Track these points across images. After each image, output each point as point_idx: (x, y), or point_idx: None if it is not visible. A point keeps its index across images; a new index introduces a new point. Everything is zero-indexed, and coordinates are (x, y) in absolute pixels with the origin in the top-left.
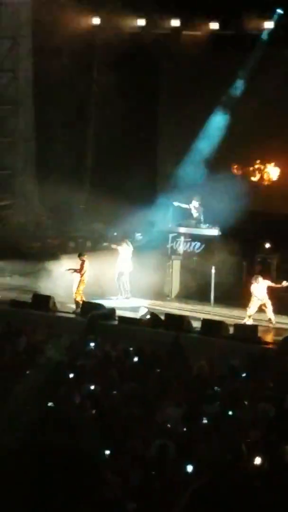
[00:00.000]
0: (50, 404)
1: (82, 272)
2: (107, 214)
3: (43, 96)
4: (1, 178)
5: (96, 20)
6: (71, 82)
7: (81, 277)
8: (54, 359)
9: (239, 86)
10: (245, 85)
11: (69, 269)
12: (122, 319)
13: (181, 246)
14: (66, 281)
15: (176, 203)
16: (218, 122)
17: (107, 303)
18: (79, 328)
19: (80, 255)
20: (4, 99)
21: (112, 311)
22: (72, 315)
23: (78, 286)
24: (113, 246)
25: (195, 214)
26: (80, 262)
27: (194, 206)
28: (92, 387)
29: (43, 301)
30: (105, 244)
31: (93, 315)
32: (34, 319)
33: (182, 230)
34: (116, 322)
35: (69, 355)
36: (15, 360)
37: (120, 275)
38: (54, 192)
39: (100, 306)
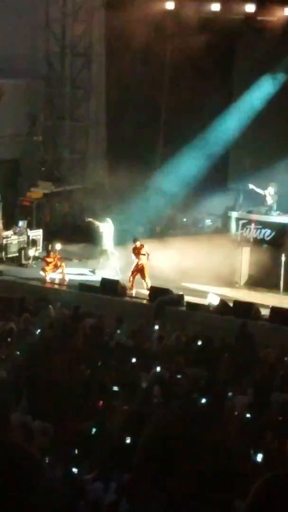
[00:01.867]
0: (115, 388)
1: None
2: (177, 199)
3: (115, 80)
4: (72, 162)
5: (170, 5)
6: (143, 67)
7: (139, 261)
8: (122, 343)
9: None
10: None
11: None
12: (190, 305)
13: (251, 233)
14: (133, 265)
15: (251, 186)
16: None
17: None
18: (147, 313)
19: (135, 240)
20: (77, 84)
21: (180, 297)
22: (140, 300)
23: (142, 271)
24: (96, 222)
25: (269, 201)
26: (137, 246)
27: (269, 192)
28: (159, 372)
29: (111, 286)
30: (87, 219)
31: (161, 300)
32: (102, 303)
33: (253, 217)
34: (184, 308)
35: (136, 340)
36: (83, 343)
37: (112, 254)
38: (125, 176)
39: (168, 291)
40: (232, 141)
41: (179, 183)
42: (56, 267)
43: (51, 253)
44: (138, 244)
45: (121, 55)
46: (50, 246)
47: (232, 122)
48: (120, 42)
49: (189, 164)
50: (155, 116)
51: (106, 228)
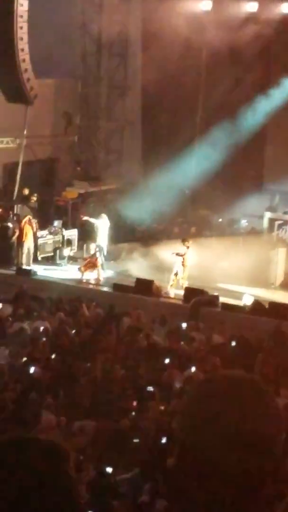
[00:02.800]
0: (149, 388)
1: (185, 257)
2: (212, 200)
3: (150, 79)
4: (108, 162)
5: (206, 5)
6: (180, 66)
7: (184, 262)
8: (157, 343)
9: None
10: None
11: (175, 253)
12: (225, 306)
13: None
14: (169, 265)
15: None
16: None
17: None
18: (182, 313)
19: (184, 241)
20: (112, 83)
21: (215, 297)
22: (175, 301)
23: (183, 272)
24: (91, 220)
25: None
26: (184, 247)
27: None
28: (193, 372)
29: (145, 286)
30: (83, 218)
31: (196, 301)
32: (136, 303)
33: None
34: (219, 309)
35: (171, 340)
36: (118, 343)
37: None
38: (160, 176)
39: (203, 292)
40: (269, 141)
41: (215, 183)
42: (92, 267)
43: (89, 253)
44: (188, 244)
45: (157, 54)
46: (86, 246)
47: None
48: (156, 41)
49: (225, 164)
50: (191, 116)
51: (101, 225)
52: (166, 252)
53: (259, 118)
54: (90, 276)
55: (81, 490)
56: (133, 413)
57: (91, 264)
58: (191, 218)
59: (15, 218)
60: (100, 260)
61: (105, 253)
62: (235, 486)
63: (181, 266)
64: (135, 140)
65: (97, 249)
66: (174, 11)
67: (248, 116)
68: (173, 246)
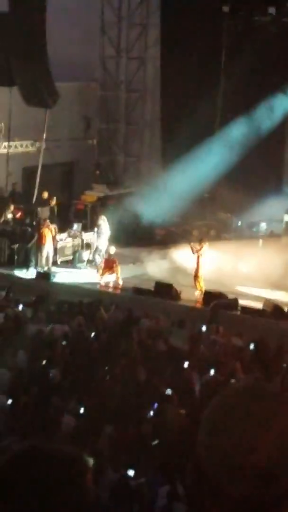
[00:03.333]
0: (168, 392)
1: (200, 255)
2: (232, 203)
3: (170, 83)
4: (127, 165)
5: (226, 8)
6: (199, 69)
7: (198, 260)
8: (176, 347)
9: None
10: None
11: (192, 247)
12: (245, 309)
13: None
14: (188, 269)
15: None
16: None
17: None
18: (201, 317)
19: (201, 241)
20: (131, 87)
21: (234, 301)
22: (194, 304)
23: (198, 272)
24: (101, 222)
25: None
26: (200, 246)
27: None
28: (212, 376)
29: (165, 289)
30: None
31: (216, 304)
32: (155, 307)
33: None
34: (238, 312)
35: (190, 344)
36: (137, 346)
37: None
38: (179, 179)
39: (222, 295)
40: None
41: (234, 186)
42: (111, 270)
43: (107, 257)
44: (205, 244)
45: (176, 58)
46: (106, 249)
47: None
48: (176, 45)
49: (244, 168)
50: (211, 119)
51: (104, 228)
52: (185, 255)
53: (277, 117)
54: (109, 279)
55: (101, 494)
56: (153, 417)
57: (110, 267)
58: (210, 221)
59: (34, 222)
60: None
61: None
62: (257, 493)
63: (196, 265)
64: (154, 143)
65: (98, 252)
66: (193, 13)
67: (267, 116)
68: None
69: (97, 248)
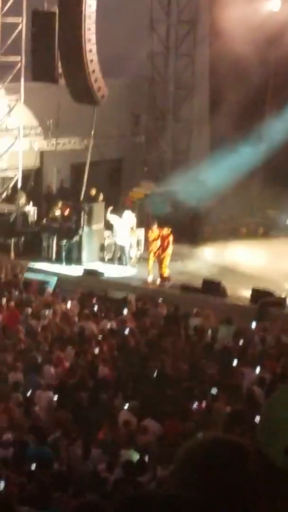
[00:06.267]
0: (214, 389)
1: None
2: (281, 200)
3: (218, 80)
4: (175, 162)
5: (275, 6)
6: (247, 67)
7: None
8: (224, 344)
9: None
10: None
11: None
12: None
13: None
14: (236, 266)
15: None
16: None
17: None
18: (249, 314)
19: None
20: (180, 84)
21: (283, 299)
22: (242, 301)
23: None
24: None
25: None
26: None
27: None
28: (260, 373)
29: (213, 286)
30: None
31: (264, 302)
32: (203, 304)
33: None
34: (286, 310)
35: (238, 341)
36: (185, 344)
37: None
38: (227, 176)
39: (270, 293)
40: None
41: (282, 183)
42: (163, 250)
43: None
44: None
45: (225, 55)
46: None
47: None
48: (224, 42)
49: None
50: (259, 116)
51: (121, 223)
52: (233, 252)
53: None
54: (156, 275)
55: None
56: (199, 414)
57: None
58: (259, 218)
59: (82, 219)
60: (124, 260)
61: (128, 253)
62: None
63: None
64: (202, 140)
65: (125, 250)
66: (242, 10)
67: None
68: (240, 246)
69: (122, 247)
